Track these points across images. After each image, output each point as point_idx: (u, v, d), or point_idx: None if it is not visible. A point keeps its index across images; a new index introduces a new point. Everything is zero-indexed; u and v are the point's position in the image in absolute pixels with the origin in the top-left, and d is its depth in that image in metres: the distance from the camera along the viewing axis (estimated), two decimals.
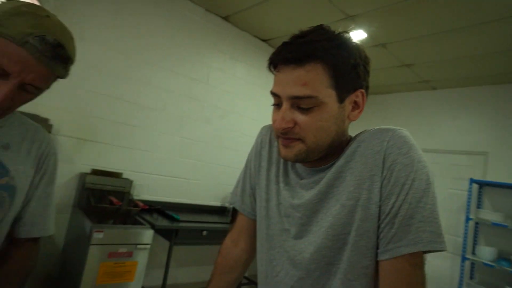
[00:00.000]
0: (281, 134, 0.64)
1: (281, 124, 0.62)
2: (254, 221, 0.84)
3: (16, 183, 0.77)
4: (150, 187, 2.82)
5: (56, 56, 0.69)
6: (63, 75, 0.75)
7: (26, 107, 0.80)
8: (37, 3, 0.83)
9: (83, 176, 2.41)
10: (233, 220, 0.95)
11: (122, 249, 2.04)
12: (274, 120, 0.65)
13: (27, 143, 0.82)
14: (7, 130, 0.79)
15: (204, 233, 2.50)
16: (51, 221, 0.91)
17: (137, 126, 2.74)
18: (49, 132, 2.16)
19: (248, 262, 0.90)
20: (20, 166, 0.79)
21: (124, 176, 2.63)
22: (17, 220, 0.83)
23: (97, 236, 1.95)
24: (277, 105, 0.65)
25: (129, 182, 2.59)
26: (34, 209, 0.85)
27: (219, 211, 3.28)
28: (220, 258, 0.89)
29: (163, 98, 2.90)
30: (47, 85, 0.73)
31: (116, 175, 2.57)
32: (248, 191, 0.86)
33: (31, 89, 0.69)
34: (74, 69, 0.79)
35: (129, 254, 2.07)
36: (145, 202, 2.63)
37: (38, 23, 0.66)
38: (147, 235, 2.15)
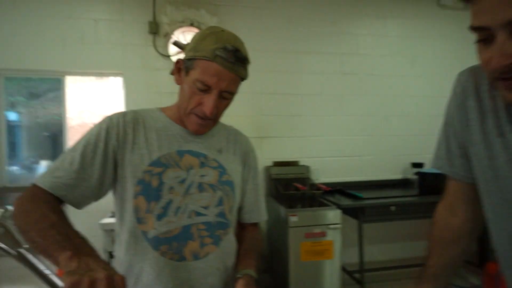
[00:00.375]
0: (505, 74, 0.50)
1: (504, 60, 0.48)
2: (471, 185, 0.71)
3: (233, 179, 0.94)
4: (326, 169, 2.91)
5: (237, 60, 0.81)
6: (245, 76, 0.87)
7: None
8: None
9: (267, 169, 2.74)
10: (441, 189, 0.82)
11: (316, 230, 2.19)
12: (488, 59, 0.52)
13: (232, 145, 0.99)
14: (218, 137, 0.98)
15: (392, 208, 2.36)
16: (263, 208, 1.07)
17: (302, 115, 2.89)
18: None
19: (474, 232, 0.76)
20: (232, 164, 0.96)
21: (301, 163, 2.82)
22: (240, 209, 1.02)
23: (293, 219, 2.17)
24: (484, 40, 0.52)
25: (307, 168, 2.76)
26: (249, 199, 1.02)
27: (401, 183, 3.02)
28: (436, 230, 0.79)
29: (319, 81, 2.93)
30: (236, 88, 0.86)
31: (294, 163, 2.79)
32: (457, 151, 0.72)
33: (227, 95, 0.84)
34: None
35: (323, 234, 2.20)
36: (325, 184, 2.73)
37: (218, 38, 0.80)
38: (336, 215, 2.23)
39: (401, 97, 3.09)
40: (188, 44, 0.86)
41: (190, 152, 0.90)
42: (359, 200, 2.40)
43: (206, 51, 0.79)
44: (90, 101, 2.67)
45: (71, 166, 0.78)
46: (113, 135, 0.84)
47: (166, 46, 2.67)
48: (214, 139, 0.97)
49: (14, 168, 2.58)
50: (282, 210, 2.27)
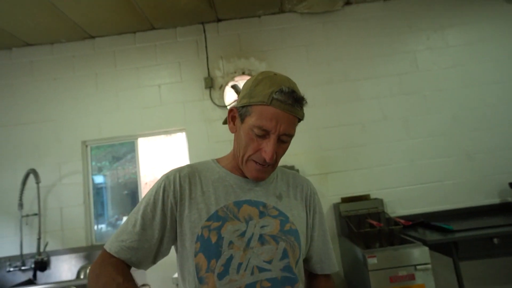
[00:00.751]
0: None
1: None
2: None
3: (297, 227, 0.88)
4: (402, 201, 2.63)
5: (294, 101, 0.79)
6: (302, 116, 0.84)
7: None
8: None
9: (336, 206, 2.58)
10: None
11: (402, 272, 1.92)
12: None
13: (292, 189, 0.94)
14: (276, 183, 0.93)
15: (495, 241, 1.97)
16: (334, 257, 0.97)
17: (365, 145, 2.72)
18: None
19: None
20: (294, 211, 0.90)
21: (372, 196, 2.59)
22: (308, 259, 0.94)
23: (372, 261, 1.94)
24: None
25: (379, 201, 2.53)
26: (318, 247, 0.94)
27: (500, 209, 2.56)
28: None
29: (379, 106, 2.77)
30: (294, 130, 0.83)
31: (364, 197, 2.58)
32: None
33: (285, 138, 0.81)
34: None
35: (411, 277, 1.91)
36: (403, 217, 2.45)
37: (272, 82, 0.80)
38: (423, 253, 1.94)
39: (480, 108, 2.73)
40: (241, 91, 0.88)
41: (248, 202, 0.86)
42: (449, 233, 2.06)
43: (262, 96, 0.78)
44: (160, 158, 2.89)
45: (134, 228, 0.81)
46: (170, 192, 0.85)
47: (221, 97, 2.83)
48: (272, 185, 0.93)
49: (101, 226, 2.85)
50: (358, 251, 2.06)
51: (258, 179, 0.87)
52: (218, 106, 2.80)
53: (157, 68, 2.86)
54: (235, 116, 0.87)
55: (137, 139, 2.88)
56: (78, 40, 2.88)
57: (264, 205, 0.87)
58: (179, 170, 0.90)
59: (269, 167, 0.85)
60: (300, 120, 0.84)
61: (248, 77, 2.87)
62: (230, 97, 2.81)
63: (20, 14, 2.44)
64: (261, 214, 0.85)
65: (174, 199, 0.84)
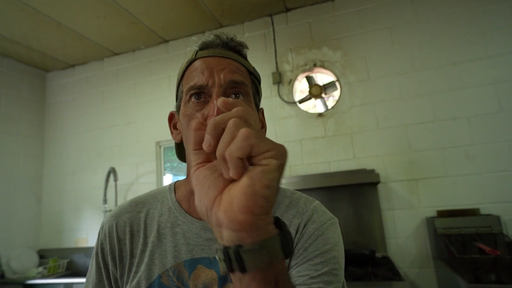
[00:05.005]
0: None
1: None
2: None
3: None
4: None
5: (224, 44, 0.63)
6: (248, 66, 0.65)
7: None
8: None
9: (430, 220, 2.06)
10: None
11: None
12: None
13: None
14: None
15: None
16: None
17: (472, 144, 2.11)
18: (378, 182, 2.09)
19: None
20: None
21: (483, 211, 1.99)
22: None
23: None
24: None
25: (495, 218, 1.91)
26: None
27: None
28: None
29: (493, 95, 2.12)
30: (244, 79, 0.62)
31: (471, 212, 2.00)
32: None
33: (235, 91, 0.60)
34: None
35: None
36: None
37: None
38: None
39: None
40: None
41: (205, 261, 0.58)
42: None
43: (186, 62, 0.62)
44: None
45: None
46: (108, 251, 0.62)
47: (290, 93, 2.59)
48: None
49: None
50: (462, 284, 1.56)
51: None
52: (287, 102, 2.57)
53: None
54: (176, 122, 0.66)
55: None
56: (154, 45, 3.02)
57: None
58: (117, 215, 0.66)
59: None
60: (250, 73, 0.62)
61: (321, 69, 2.56)
62: (302, 92, 2.55)
63: (105, 26, 2.67)
64: (221, 281, 0.56)
65: (112, 262, 0.62)
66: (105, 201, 2.67)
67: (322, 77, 2.65)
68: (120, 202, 2.78)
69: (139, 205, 0.67)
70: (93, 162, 3.01)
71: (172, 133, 0.66)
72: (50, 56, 3.07)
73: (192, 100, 0.57)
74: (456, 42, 2.24)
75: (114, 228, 0.64)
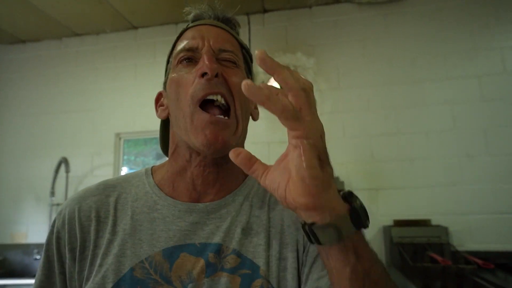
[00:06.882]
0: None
1: None
2: None
3: (274, 285, 0.55)
4: (473, 232, 2.11)
5: (216, 16, 0.67)
6: (240, 40, 0.67)
7: None
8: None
9: (387, 229, 2.15)
10: None
11: None
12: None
13: (270, 211, 0.65)
14: (240, 198, 0.63)
15: None
16: None
17: (428, 158, 2.24)
18: (342, 189, 2.14)
19: None
20: (273, 252, 0.61)
21: (434, 222, 2.12)
22: None
23: None
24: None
25: (443, 229, 2.05)
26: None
27: None
28: None
29: (450, 113, 2.28)
30: (235, 49, 0.64)
31: (423, 222, 2.12)
32: None
33: (226, 56, 0.62)
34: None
35: None
36: (475, 254, 1.95)
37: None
38: None
39: None
40: None
41: (190, 248, 0.51)
42: None
43: (179, 35, 0.63)
44: None
45: None
46: (65, 241, 0.54)
47: None
48: (234, 207, 0.56)
49: None
50: None
51: (216, 140, 0.51)
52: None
53: None
54: (162, 100, 0.64)
55: None
56: (122, 31, 2.83)
57: (218, 250, 0.51)
58: (80, 198, 0.57)
59: (225, 118, 0.53)
60: (242, 47, 0.62)
61: None
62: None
63: (66, 1, 2.43)
64: (212, 269, 0.50)
65: (71, 254, 0.52)
66: (52, 193, 2.42)
67: None
68: (71, 195, 2.55)
69: (109, 189, 0.58)
70: (40, 150, 2.72)
71: (157, 111, 0.63)
72: None
73: (182, 63, 0.55)
74: (421, 61, 2.37)
75: (76, 213, 0.54)
